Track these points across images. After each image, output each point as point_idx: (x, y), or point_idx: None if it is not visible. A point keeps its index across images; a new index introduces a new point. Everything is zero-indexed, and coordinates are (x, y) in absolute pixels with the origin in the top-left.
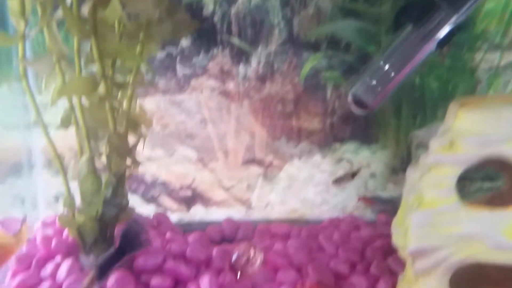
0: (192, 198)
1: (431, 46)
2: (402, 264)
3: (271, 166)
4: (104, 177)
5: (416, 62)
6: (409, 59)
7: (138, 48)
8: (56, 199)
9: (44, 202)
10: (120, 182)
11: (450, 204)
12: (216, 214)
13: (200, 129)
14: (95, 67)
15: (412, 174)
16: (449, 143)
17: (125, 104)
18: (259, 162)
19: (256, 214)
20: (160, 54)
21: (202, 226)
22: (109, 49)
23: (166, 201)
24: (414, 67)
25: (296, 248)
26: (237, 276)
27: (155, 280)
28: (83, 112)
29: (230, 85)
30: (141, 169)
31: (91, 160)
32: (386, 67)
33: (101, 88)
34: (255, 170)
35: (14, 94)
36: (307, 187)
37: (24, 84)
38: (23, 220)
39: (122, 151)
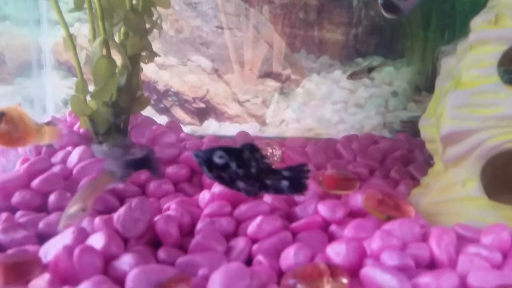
0: (205, 111)
1: None
2: (423, 170)
3: (288, 81)
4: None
5: None
6: None
7: None
8: (65, 102)
9: (53, 105)
10: (134, 69)
11: (490, 83)
12: (229, 129)
13: (216, 37)
14: None
15: (448, 61)
16: (495, 18)
17: None
18: (276, 76)
19: (270, 131)
20: None
21: None
22: None
23: (179, 112)
24: None
25: (314, 151)
26: None
27: (171, 169)
28: None
29: None
30: (153, 77)
31: (105, 43)
32: None
33: None
34: (272, 84)
35: None
36: (325, 105)
37: None
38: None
39: (139, 30)
